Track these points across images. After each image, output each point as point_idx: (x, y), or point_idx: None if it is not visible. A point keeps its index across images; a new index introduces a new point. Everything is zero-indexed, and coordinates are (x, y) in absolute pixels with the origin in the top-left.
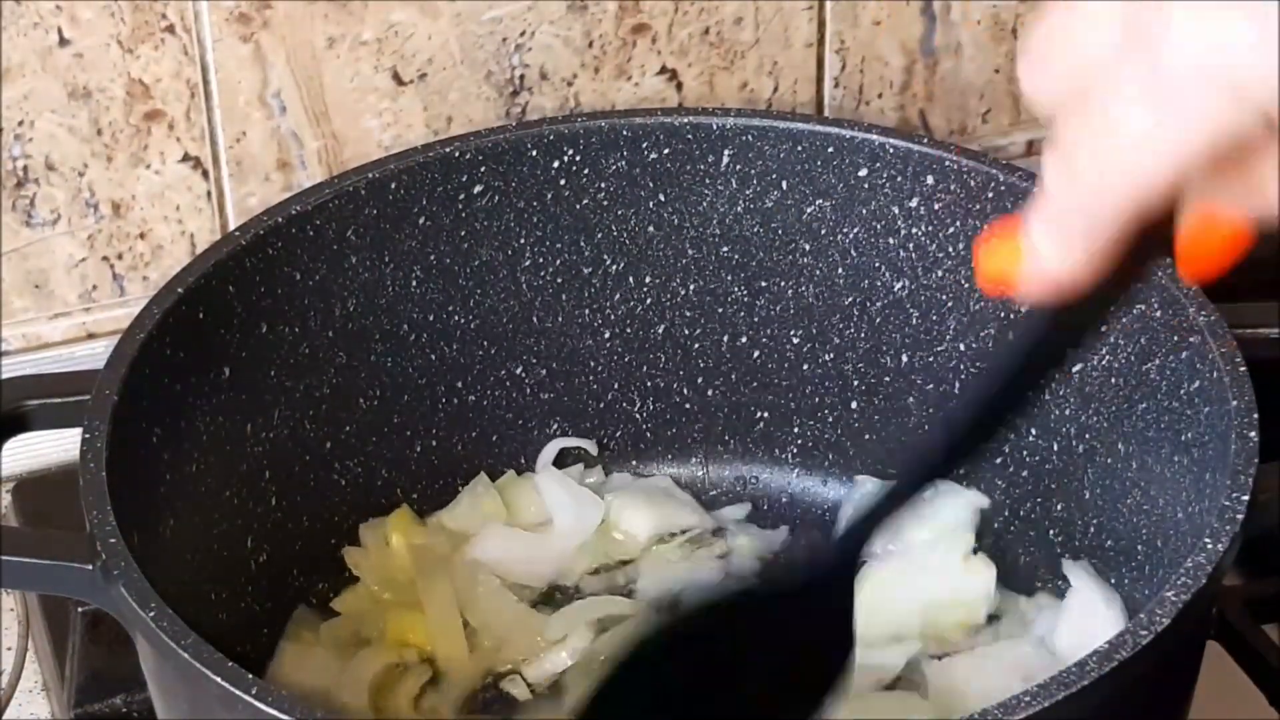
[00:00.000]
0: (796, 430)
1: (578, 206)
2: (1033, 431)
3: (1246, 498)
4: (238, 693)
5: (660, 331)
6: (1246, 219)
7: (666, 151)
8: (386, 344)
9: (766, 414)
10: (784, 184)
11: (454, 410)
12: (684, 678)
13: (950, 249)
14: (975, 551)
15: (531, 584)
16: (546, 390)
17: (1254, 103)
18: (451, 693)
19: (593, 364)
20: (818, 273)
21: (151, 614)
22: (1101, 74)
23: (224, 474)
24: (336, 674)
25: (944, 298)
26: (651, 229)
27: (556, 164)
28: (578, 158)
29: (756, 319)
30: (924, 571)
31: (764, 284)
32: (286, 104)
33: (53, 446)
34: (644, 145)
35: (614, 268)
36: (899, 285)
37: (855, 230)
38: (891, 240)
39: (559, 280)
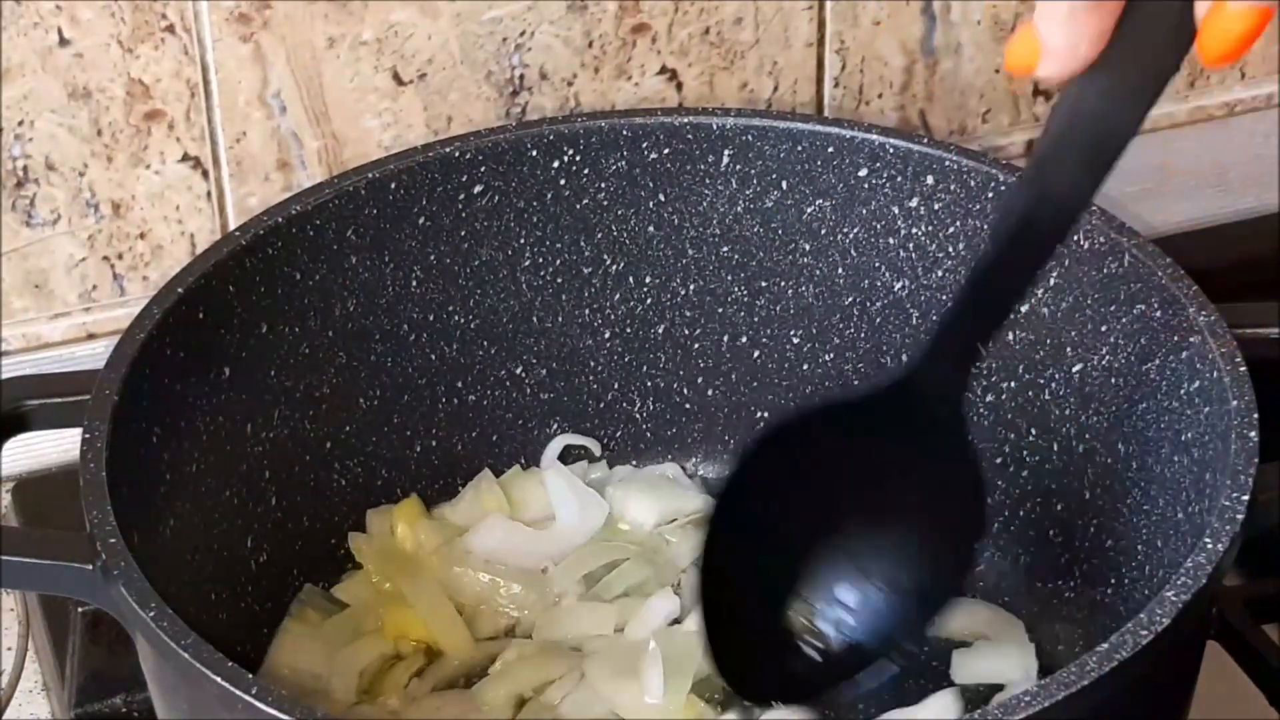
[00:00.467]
0: None
1: (578, 206)
2: (1032, 431)
3: (1247, 498)
4: (237, 692)
5: (660, 331)
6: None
7: (667, 151)
8: (386, 344)
9: (766, 414)
10: (784, 184)
11: (454, 410)
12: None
13: (950, 249)
14: None
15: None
16: (546, 390)
17: None
18: (451, 671)
19: (593, 364)
20: (818, 273)
21: (151, 614)
22: None
23: (224, 474)
24: (330, 661)
25: (944, 298)
26: (652, 229)
27: (556, 164)
28: (578, 158)
29: (756, 319)
30: None
31: (764, 284)
32: (286, 104)
33: (51, 447)
34: (644, 145)
35: (614, 268)
36: (899, 285)
37: (855, 230)
38: (891, 240)
39: (559, 280)
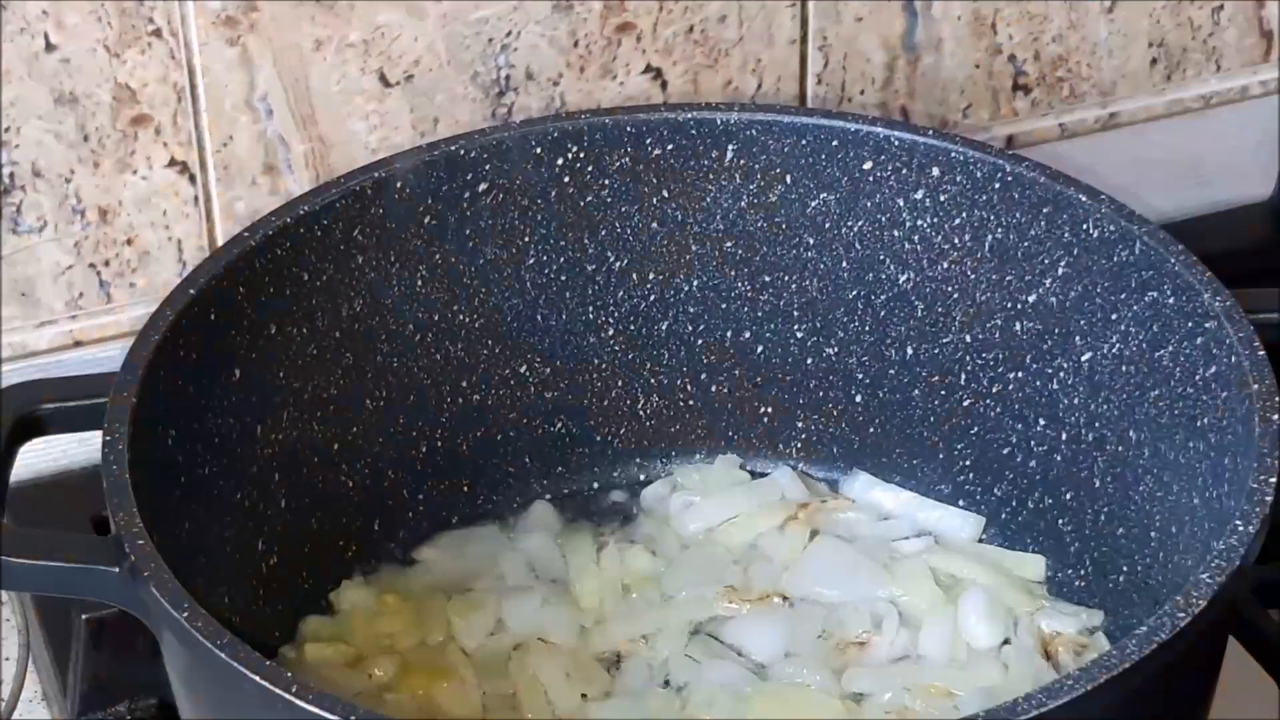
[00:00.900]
0: (800, 425)
1: (581, 204)
2: (1041, 421)
3: (1274, 480)
4: (278, 690)
5: (664, 328)
6: None
7: (670, 147)
8: (392, 344)
9: (770, 409)
10: (788, 178)
11: (459, 410)
12: None
13: (956, 240)
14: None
15: None
16: (551, 388)
17: None
18: None
19: (596, 361)
20: (822, 267)
21: (185, 614)
22: None
23: (235, 476)
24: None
25: (949, 289)
26: (655, 225)
27: (560, 161)
28: (581, 155)
29: (760, 314)
30: None
31: (768, 279)
32: (273, 107)
33: (36, 458)
34: (647, 141)
35: (618, 264)
36: (904, 278)
37: (859, 224)
38: (896, 233)
39: (563, 277)
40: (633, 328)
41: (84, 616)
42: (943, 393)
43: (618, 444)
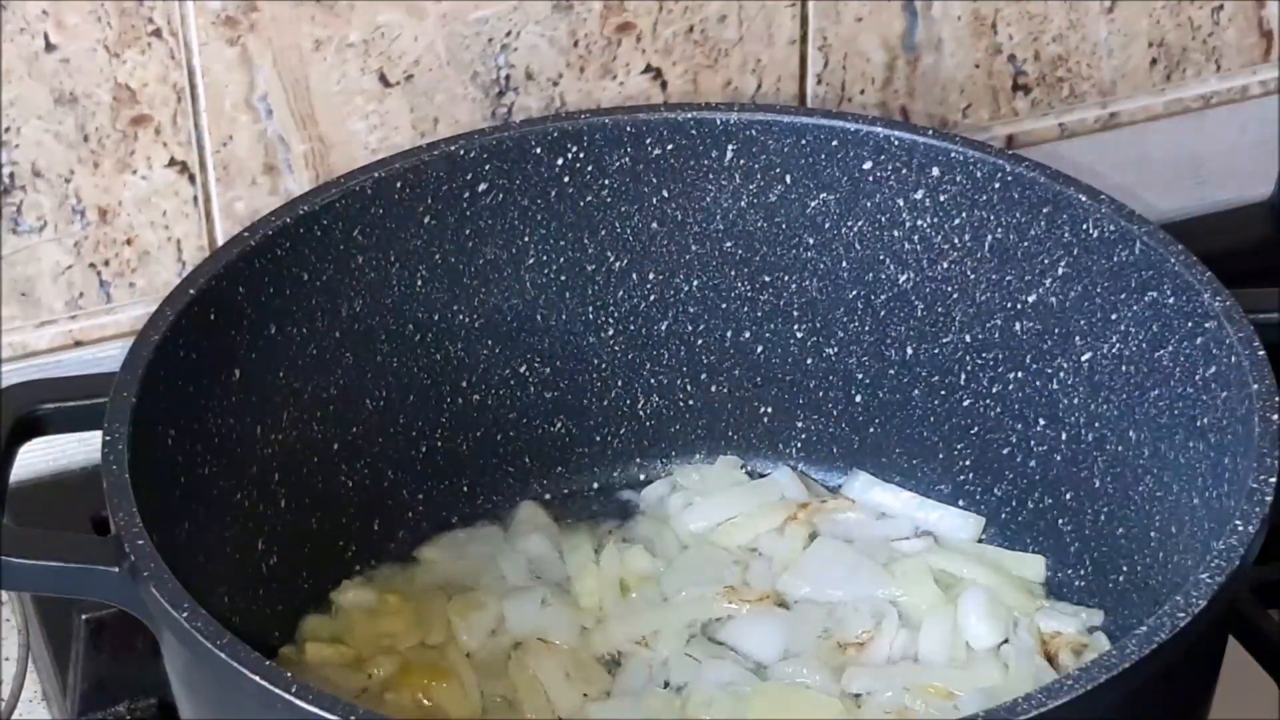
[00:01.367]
0: (800, 425)
1: (581, 204)
2: (1041, 421)
3: (1274, 480)
4: (277, 690)
5: (664, 328)
6: None
7: (670, 147)
8: (392, 344)
9: (770, 409)
10: (788, 178)
11: (459, 410)
12: None
13: (956, 240)
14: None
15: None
16: (550, 388)
17: None
18: None
19: (596, 361)
20: (822, 267)
21: (185, 614)
22: None
23: (235, 476)
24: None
25: (949, 289)
26: (655, 225)
27: (560, 161)
28: (581, 154)
29: (760, 314)
30: None
31: (767, 279)
32: (273, 107)
33: (35, 458)
34: (647, 141)
35: (617, 264)
36: (904, 278)
37: (860, 224)
38: (896, 233)
39: (563, 278)
40: (633, 328)
41: (84, 616)
42: (943, 393)
43: (617, 444)
